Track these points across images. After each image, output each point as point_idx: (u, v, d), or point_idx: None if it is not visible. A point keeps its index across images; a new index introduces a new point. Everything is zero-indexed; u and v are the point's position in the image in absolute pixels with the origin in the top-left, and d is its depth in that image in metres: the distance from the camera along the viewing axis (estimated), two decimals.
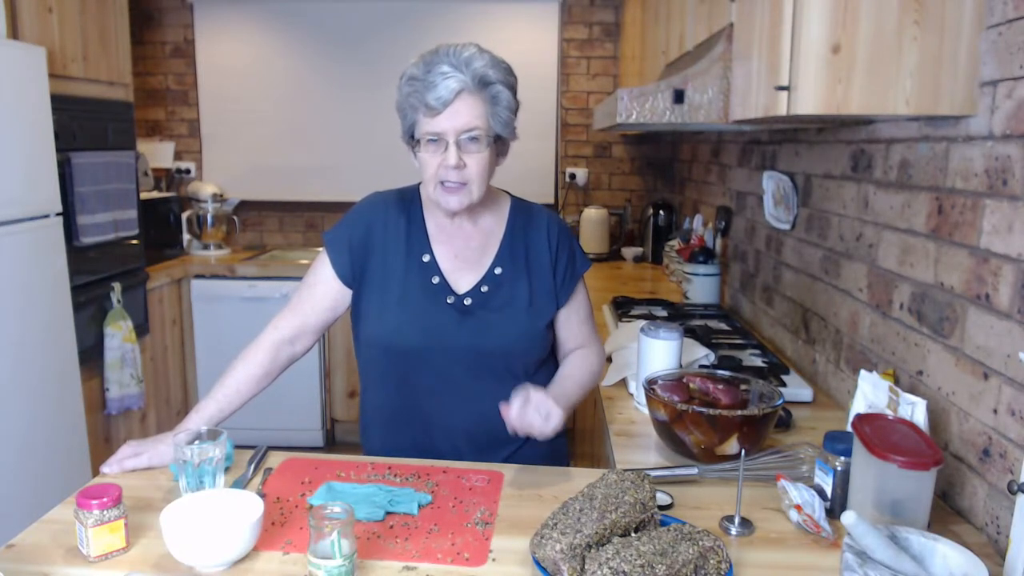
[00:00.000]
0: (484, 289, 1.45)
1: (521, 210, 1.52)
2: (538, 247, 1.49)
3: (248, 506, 1.11)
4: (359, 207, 1.52)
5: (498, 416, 1.46)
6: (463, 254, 1.47)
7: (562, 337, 1.54)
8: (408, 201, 1.50)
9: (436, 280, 1.45)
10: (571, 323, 1.53)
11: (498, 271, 1.46)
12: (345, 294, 1.49)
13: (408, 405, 1.47)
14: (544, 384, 1.53)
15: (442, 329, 1.42)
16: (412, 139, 1.39)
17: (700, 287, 2.79)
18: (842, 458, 1.18)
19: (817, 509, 1.14)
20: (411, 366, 1.44)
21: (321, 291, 1.49)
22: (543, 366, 1.52)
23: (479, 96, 1.33)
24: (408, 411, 1.47)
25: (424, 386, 1.45)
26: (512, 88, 1.38)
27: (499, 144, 1.41)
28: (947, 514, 1.25)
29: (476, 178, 1.36)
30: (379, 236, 1.47)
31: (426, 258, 1.46)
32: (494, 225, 1.50)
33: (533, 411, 1.27)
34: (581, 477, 1.35)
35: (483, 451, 1.46)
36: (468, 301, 1.44)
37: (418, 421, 1.47)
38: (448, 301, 1.44)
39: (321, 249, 1.51)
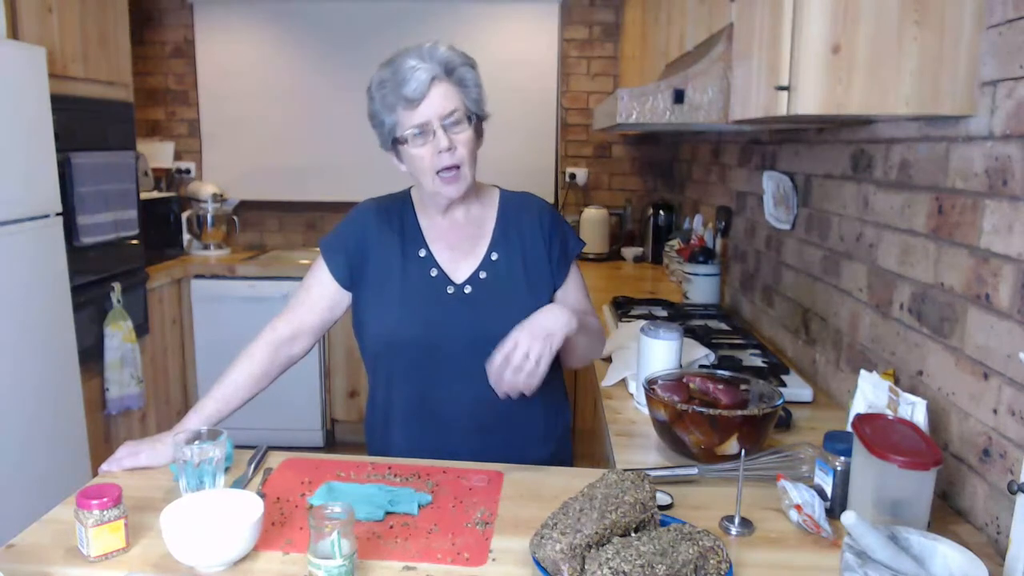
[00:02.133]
0: (482, 276, 1.47)
1: (510, 198, 1.55)
2: (531, 231, 1.51)
3: (248, 506, 1.11)
4: (352, 214, 1.54)
5: (504, 404, 1.46)
6: (457, 244, 1.49)
7: None
8: (399, 203, 1.53)
9: (434, 273, 1.46)
10: (569, 303, 1.52)
11: (494, 257, 1.48)
12: (343, 296, 1.50)
13: (417, 400, 1.48)
14: (548, 376, 1.53)
15: (444, 319, 1.44)
16: (395, 141, 1.41)
17: (700, 287, 2.79)
18: (842, 458, 1.18)
19: (817, 509, 1.14)
20: (417, 359, 1.45)
21: (318, 292, 1.50)
22: None
23: (449, 81, 1.37)
24: (418, 406, 1.48)
25: (431, 379, 1.45)
26: (474, 67, 1.42)
27: (477, 124, 1.43)
28: (947, 514, 1.25)
29: (467, 158, 1.40)
30: (374, 238, 1.49)
31: (422, 253, 1.48)
32: (485, 214, 1.52)
33: (511, 371, 1.26)
34: (581, 477, 1.35)
35: (489, 442, 1.46)
36: (468, 289, 1.46)
37: (428, 415, 1.48)
38: (448, 291, 1.46)
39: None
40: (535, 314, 1.32)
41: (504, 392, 1.30)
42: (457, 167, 1.38)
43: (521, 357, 1.27)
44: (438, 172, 1.38)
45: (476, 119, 1.42)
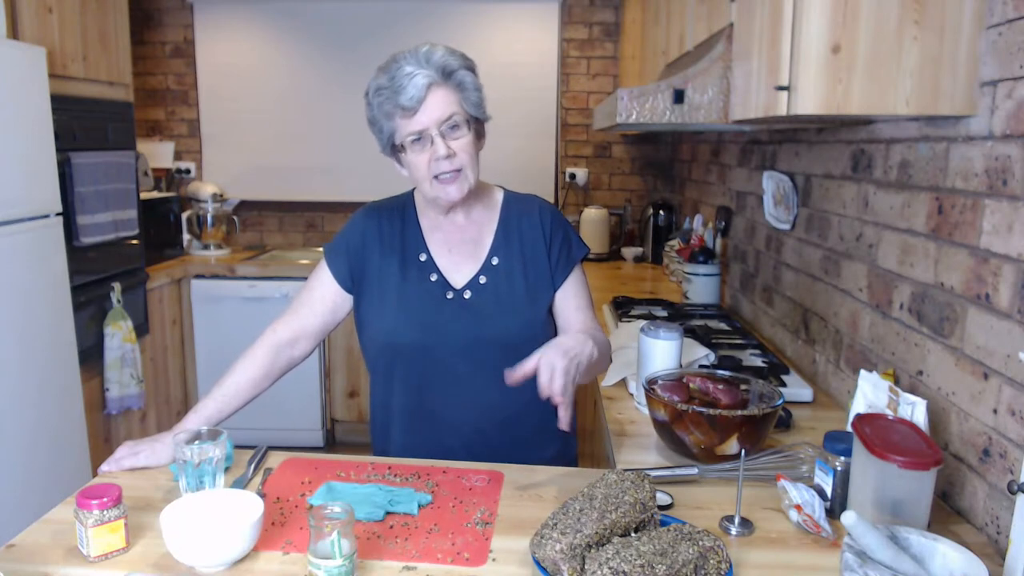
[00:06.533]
0: (482, 280, 1.47)
1: (514, 200, 1.55)
2: (532, 233, 1.50)
3: (248, 506, 1.11)
4: (354, 217, 1.55)
5: (505, 408, 1.46)
6: (458, 248, 1.49)
7: (562, 327, 1.53)
8: (401, 205, 1.54)
9: (434, 277, 1.46)
10: (569, 309, 1.51)
11: (495, 261, 1.48)
12: (344, 299, 1.50)
13: (415, 403, 1.48)
14: None
15: (443, 324, 1.43)
16: (394, 147, 1.41)
17: (700, 287, 2.79)
18: (842, 458, 1.18)
19: (817, 509, 1.14)
20: (415, 363, 1.45)
21: (319, 294, 1.50)
22: None
23: (447, 86, 1.36)
24: (416, 409, 1.48)
25: (429, 383, 1.45)
26: (473, 70, 1.41)
27: (477, 126, 1.43)
28: (947, 514, 1.25)
29: (468, 161, 1.39)
30: (375, 241, 1.49)
31: (423, 257, 1.48)
32: (487, 216, 1.51)
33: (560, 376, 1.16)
34: (581, 477, 1.35)
35: (491, 445, 1.46)
36: (467, 294, 1.46)
37: (426, 418, 1.48)
38: (448, 296, 1.45)
39: (321, 250, 1.53)
40: (558, 339, 1.25)
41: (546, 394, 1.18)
42: (457, 170, 1.38)
43: (548, 368, 1.18)
44: (436, 176, 1.38)
45: (476, 122, 1.42)
